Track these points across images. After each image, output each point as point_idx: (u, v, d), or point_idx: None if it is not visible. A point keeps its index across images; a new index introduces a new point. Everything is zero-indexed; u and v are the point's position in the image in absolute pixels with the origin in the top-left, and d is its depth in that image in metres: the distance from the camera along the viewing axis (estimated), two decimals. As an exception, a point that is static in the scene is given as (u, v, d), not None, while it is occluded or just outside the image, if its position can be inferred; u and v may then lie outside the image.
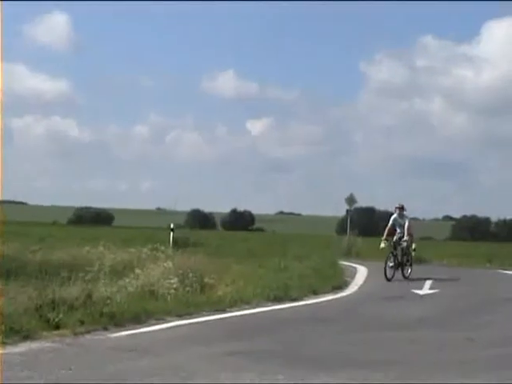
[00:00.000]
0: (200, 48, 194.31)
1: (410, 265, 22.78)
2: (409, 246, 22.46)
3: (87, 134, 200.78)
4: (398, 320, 14.23)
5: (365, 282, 22.16)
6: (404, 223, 22.46)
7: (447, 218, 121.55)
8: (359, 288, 20.28)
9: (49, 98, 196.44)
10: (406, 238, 22.25)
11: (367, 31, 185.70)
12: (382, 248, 22.30)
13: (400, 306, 16.60)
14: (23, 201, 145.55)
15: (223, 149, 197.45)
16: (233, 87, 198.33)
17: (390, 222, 22.70)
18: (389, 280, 21.14)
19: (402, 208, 22.74)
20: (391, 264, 21.80)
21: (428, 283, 21.54)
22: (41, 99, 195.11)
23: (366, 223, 77.98)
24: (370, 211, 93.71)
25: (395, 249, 22.08)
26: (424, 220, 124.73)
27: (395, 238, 22.24)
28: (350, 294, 18.75)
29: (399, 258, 22.30)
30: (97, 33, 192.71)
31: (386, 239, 22.21)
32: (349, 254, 33.95)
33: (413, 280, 22.35)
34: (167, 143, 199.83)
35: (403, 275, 22.04)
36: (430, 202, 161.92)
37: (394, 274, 21.83)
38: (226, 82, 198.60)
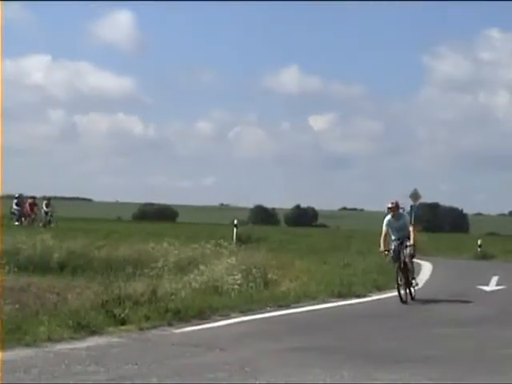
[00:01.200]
0: (263, 44, 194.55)
1: (414, 278, 16.87)
2: (412, 255, 16.58)
3: (151, 131, 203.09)
4: (463, 316, 14.08)
5: (430, 278, 21.96)
6: (404, 225, 16.71)
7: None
8: (424, 284, 20.07)
9: (113, 96, 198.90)
10: (411, 242, 16.38)
11: (430, 24, 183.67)
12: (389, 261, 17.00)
13: (466, 303, 16.40)
14: (88, 197, 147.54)
15: (286, 144, 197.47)
16: (296, 83, 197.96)
17: (384, 227, 16.56)
18: (404, 302, 15.79)
19: (396, 207, 16.85)
20: (401, 282, 16.22)
21: (494, 279, 21.28)
22: (105, 97, 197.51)
23: (430, 219, 77.10)
24: (434, 207, 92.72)
25: (399, 259, 16.31)
26: (489, 215, 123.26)
27: (393, 247, 16.37)
28: (415, 291, 18.56)
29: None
30: (160, 31, 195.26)
31: (386, 250, 16.35)
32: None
33: (479, 276, 22.10)
34: (230, 139, 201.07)
35: (411, 296, 16.35)
36: (495, 197, 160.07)
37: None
38: (289, 78, 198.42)
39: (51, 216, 40.67)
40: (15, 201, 42.08)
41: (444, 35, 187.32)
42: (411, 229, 16.77)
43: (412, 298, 16.25)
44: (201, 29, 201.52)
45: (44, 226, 38.36)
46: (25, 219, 41.28)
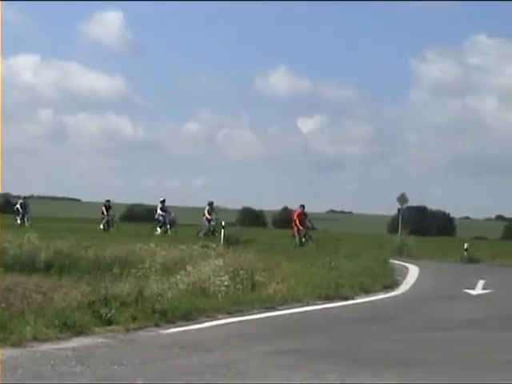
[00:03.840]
0: (253, 46, 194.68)
1: None
2: None
3: (141, 132, 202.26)
4: (450, 320, 14.11)
5: (416, 281, 21.99)
6: None
7: (500, 217, 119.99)
8: (410, 287, 20.13)
9: (103, 96, 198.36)
10: None
11: (418, 28, 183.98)
12: None
13: (452, 306, 16.46)
14: (76, 197, 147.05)
15: (275, 147, 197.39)
16: (285, 84, 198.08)
17: None
18: None
19: None
20: None
21: (481, 283, 21.33)
22: (95, 97, 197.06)
23: (417, 222, 77.19)
24: (421, 210, 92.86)
25: None
26: (476, 219, 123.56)
27: None
28: (401, 294, 18.63)
29: None
30: (151, 32, 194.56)
31: None
32: (400, 253, 33.72)
33: (465, 279, 22.15)
34: (219, 141, 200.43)
35: None
36: (482, 202, 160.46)
37: None
38: (279, 80, 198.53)
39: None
40: None
41: (431, 40, 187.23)
42: None
43: None
44: (192, 30, 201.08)
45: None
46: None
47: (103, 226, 40.44)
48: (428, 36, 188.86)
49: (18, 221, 41.73)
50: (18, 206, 43.24)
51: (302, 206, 35.25)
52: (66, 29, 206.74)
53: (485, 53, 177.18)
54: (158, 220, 39.60)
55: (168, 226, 38.76)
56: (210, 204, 38.48)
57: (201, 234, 36.24)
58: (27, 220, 41.97)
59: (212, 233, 36.36)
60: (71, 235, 25.18)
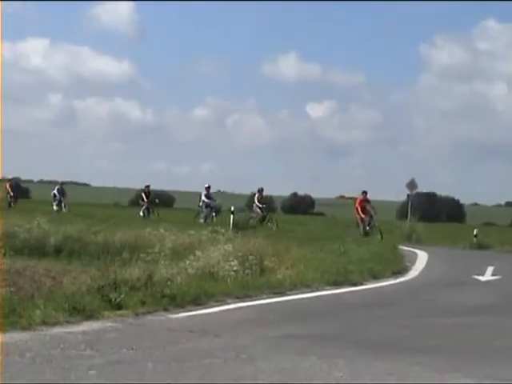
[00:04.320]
0: (262, 30, 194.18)
1: None
2: None
3: (149, 117, 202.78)
4: (458, 306, 14.11)
5: (425, 267, 21.97)
6: None
7: (509, 203, 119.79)
8: (419, 273, 20.12)
9: (112, 81, 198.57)
10: None
11: (427, 14, 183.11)
12: None
13: (461, 292, 16.45)
14: (86, 182, 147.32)
15: (284, 132, 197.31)
16: (294, 70, 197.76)
17: None
18: None
19: None
20: None
21: (490, 269, 21.30)
22: (104, 81, 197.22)
23: (427, 208, 77.12)
24: (431, 196, 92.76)
25: None
26: (485, 206, 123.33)
27: None
28: (410, 279, 18.63)
29: None
30: (160, 17, 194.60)
31: None
32: (409, 239, 33.68)
33: (474, 266, 22.13)
34: (228, 126, 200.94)
35: None
36: (491, 188, 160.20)
37: None
38: (288, 65, 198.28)
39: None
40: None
41: (441, 26, 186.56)
42: None
43: None
44: (200, 15, 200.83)
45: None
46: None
47: (143, 212, 39.15)
48: (437, 22, 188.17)
49: (55, 207, 40.86)
50: (54, 191, 42.13)
51: (365, 193, 32.28)
52: (76, 13, 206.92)
53: (494, 38, 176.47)
54: (200, 207, 37.58)
55: (213, 214, 37.01)
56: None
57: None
58: (64, 206, 41.02)
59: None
60: (81, 220, 25.23)
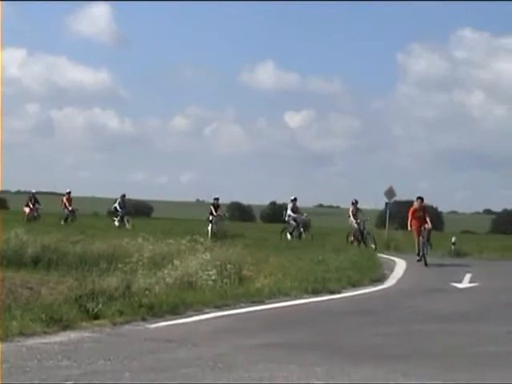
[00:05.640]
0: (240, 40, 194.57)
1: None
2: None
3: (128, 127, 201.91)
4: (436, 313, 14.15)
5: (403, 275, 22.01)
6: None
7: (487, 211, 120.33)
8: (398, 281, 20.15)
9: (90, 90, 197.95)
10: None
11: (405, 23, 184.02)
12: None
13: (439, 300, 16.50)
14: (62, 192, 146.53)
15: (262, 141, 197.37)
16: (272, 79, 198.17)
17: None
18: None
19: None
20: None
21: (468, 276, 21.37)
22: (82, 91, 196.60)
23: (405, 216, 77.29)
24: (409, 204, 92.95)
25: None
26: (464, 213, 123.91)
27: None
28: (389, 287, 18.66)
29: None
30: (138, 26, 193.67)
31: None
32: (388, 248, 33.73)
33: (452, 273, 22.20)
34: (207, 136, 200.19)
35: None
36: (470, 196, 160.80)
37: None
38: (266, 74, 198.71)
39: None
40: None
41: (418, 34, 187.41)
42: None
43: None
44: (178, 24, 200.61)
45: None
46: None
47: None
48: (415, 30, 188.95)
49: (116, 223, 38.49)
50: (115, 205, 39.31)
51: (420, 199, 25.74)
52: (53, 23, 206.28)
53: (471, 47, 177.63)
54: (288, 223, 33.58)
55: (301, 230, 33.06)
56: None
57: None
58: (127, 221, 38.30)
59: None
60: (59, 230, 25.11)
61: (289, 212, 33.31)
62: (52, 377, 7.49)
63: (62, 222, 39.17)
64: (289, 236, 32.84)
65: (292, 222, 33.19)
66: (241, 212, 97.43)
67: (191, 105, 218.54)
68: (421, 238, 24.12)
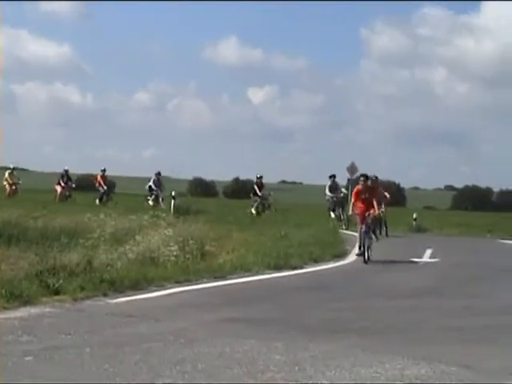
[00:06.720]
0: (203, 14, 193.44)
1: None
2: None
3: (90, 101, 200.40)
4: (397, 288, 14.29)
5: (365, 250, 22.15)
6: None
7: (449, 187, 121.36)
8: (358, 257, 20.29)
9: (52, 65, 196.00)
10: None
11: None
12: None
13: (399, 275, 16.67)
14: (25, 167, 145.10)
15: (225, 117, 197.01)
16: (235, 54, 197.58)
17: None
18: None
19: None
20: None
21: (428, 252, 21.61)
22: (44, 65, 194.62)
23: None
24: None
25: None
26: (425, 189, 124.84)
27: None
28: (351, 263, 18.79)
29: None
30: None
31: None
32: (350, 223, 33.91)
33: (413, 249, 22.42)
34: (169, 111, 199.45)
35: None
36: (431, 172, 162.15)
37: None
38: (229, 49, 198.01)
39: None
40: None
41: (381, 10, 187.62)
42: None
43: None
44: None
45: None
46: None
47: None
48: (379, 6, 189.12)
49: (150, 202, 36.31)
50: (150, 183, 37.16)
51: (365, 177, 20.36)
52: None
53: (434, 24, 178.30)
54: (328, 201, 32.48)
55: (340, 210, 31.77)
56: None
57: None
58: (162, 200, 35.89)
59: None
60: (20, 205, 24.91)
61: (326, 191, 32.36)
62: (12, 352, 7.47)
63: (97, 202, 37.38)
64: (332, 214, 32.18)
65: (330, 202, 32.15)
66: (203, 187, 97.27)
67: (154, 80, 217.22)
68: (363, 226, 19.21)
